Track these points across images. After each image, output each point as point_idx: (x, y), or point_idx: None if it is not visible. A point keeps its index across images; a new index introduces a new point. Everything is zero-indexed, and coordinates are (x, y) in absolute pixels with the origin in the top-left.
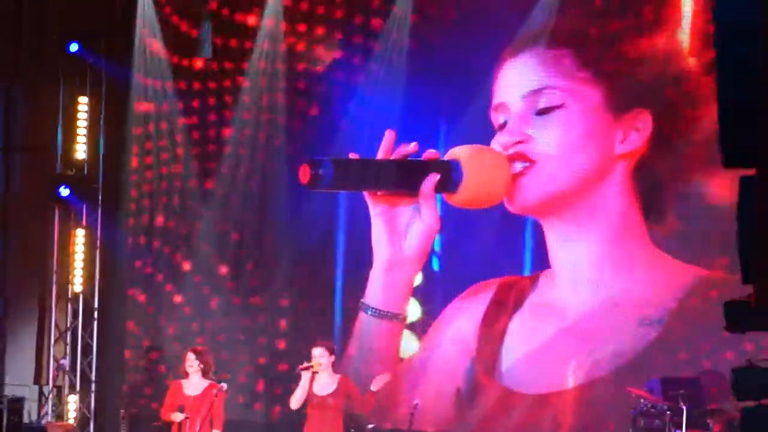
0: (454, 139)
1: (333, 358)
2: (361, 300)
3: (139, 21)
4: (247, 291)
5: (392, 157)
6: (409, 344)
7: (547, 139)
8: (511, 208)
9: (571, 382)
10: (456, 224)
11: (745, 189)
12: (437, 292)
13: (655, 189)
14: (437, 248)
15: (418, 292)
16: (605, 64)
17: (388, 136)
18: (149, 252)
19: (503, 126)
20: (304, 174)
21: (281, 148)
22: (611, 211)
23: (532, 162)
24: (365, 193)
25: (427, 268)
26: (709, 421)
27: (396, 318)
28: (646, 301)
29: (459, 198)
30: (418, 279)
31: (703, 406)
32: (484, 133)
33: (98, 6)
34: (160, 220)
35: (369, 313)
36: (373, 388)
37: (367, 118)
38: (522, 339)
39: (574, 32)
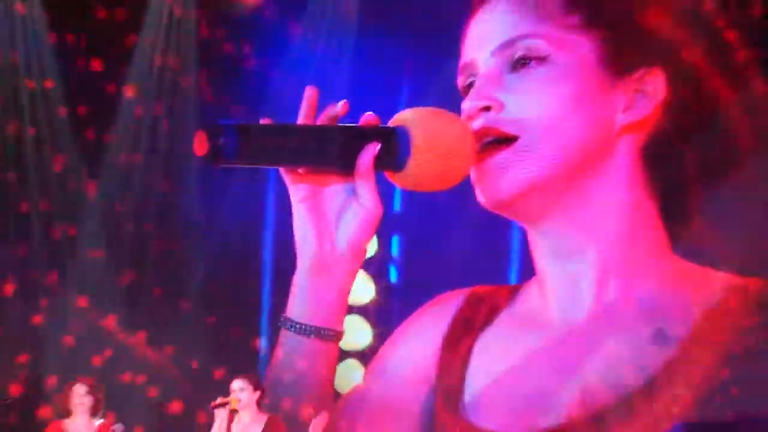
0: (421, 105)
1: (258, 394)
2: (283, 314)
3: None
4: (147, 307)
5: (317, 122)
6: (358, 378)
7: (524, 105)
8: (488, 205)
9: (558, 416)
10: (420, 221)
11: None
12: (394, 311)
13: (673, 178)
14: (395, 254)
15: (369, 311)
16: (602, 5)
17: (310, 94)
18: (19, 262)
19: (468, 90)
20: (200, 144)
21: (190, 118)
22: (614, 205)
23: (506, 137)
24: (283, 172)
25: (381, 280)
26: None
27: (329, 336)
28: (660, 313)
29: (406, 177)
30: (370, 294)
31: None
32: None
33: None
34: (39, 217)
35: (293, 330)
36: None
37: (306, 78)
38: (491, 362)
39: None
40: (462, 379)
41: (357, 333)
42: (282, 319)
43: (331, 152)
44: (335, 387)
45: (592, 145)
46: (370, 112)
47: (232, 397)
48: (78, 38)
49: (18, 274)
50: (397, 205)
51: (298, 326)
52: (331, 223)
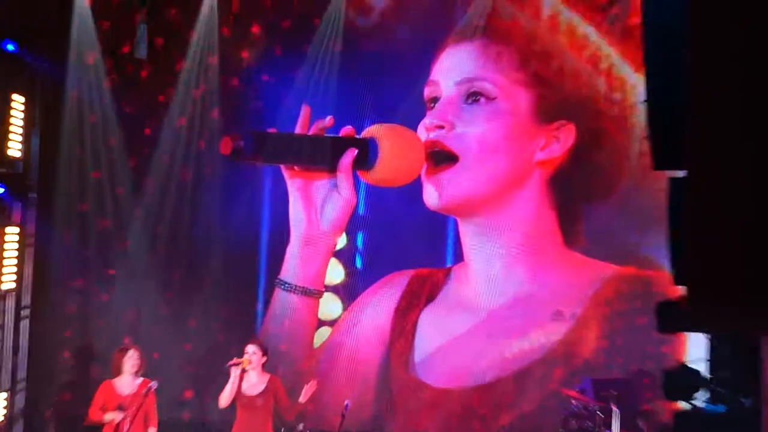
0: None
1: (265, 359)
2: (278, 277)
3: (75, 21)
4: (177, 286)
5: (309, 132)
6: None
7: (469, 129)
8: (431, 207)
9: (484, 377)
10: (379, 221)
11: (674, 190)
12: (359, 289)
13: (567, 198)
14: (360, 246)
15: (340, 289)
16: (542, 70)
17: (304, 111)
18: (81, 252)
19: (431, 104)
20: (225, 145)
21: (214, 145)
22: (526, 215)
23: (449, 153)
24: (282, 168)
25: (349, 266)
26: (640, 422)
27: (312, 294)
28: (559, 297)
29: (374, 175)
30: (341, 276)
31: (635, 408)
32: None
33: (34, 6)
34: (93, 218)
35: (284, 288)
36: (302, 399)
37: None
38: (434, 332)
39: (519, 32)
40: (411, 344)
41: (330, 306)
42: (276, 280)
43: (320, 155)
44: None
45: (515, 172)
46: (349, 126)
47: (245, 358)
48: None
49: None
50: (362, 210)
51: (289, 286)
52: (317, 208)
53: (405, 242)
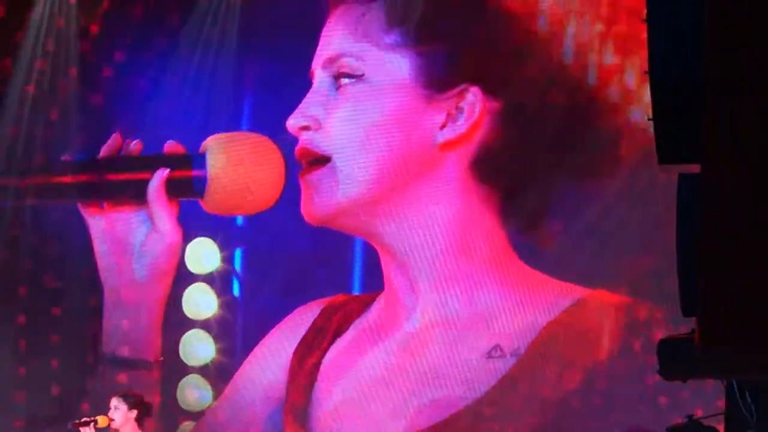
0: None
1: (135, 412)
2: (101, 351)
3: None
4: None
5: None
6: (203, 394)
7: (339, 123)
8: (308, 219)
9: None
10: (263, 234)
11: (686, 191)
12: (238, 325)
13: (511, 191)
14: (238, 267)
15: (212, 326)
16: (419, 23)
17: (113, 139)
18: None
19: None
20: None
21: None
22: (448, 218)
23: (319, 156)
24: (79, 208)
25: (224, 294)
26: None
27: (147, 367)
28: (502, 324)
29: (209, 203)
30: (212, 309)
31: None
32: None
33: None
34: None
35: (114, 365)
36: None
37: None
38: (337, 378)
39: None
40: (308, 397)
41: (199, 347)
42: (101, 356)
43: (125, 183)
44: (182, 404)
45: (409, 163)
46: (172, 141)
47: (100, 416)
48: None
49: None
50: (240, 219)
51: (117, 361)
52: (131, 252)
53: (299, 259)
